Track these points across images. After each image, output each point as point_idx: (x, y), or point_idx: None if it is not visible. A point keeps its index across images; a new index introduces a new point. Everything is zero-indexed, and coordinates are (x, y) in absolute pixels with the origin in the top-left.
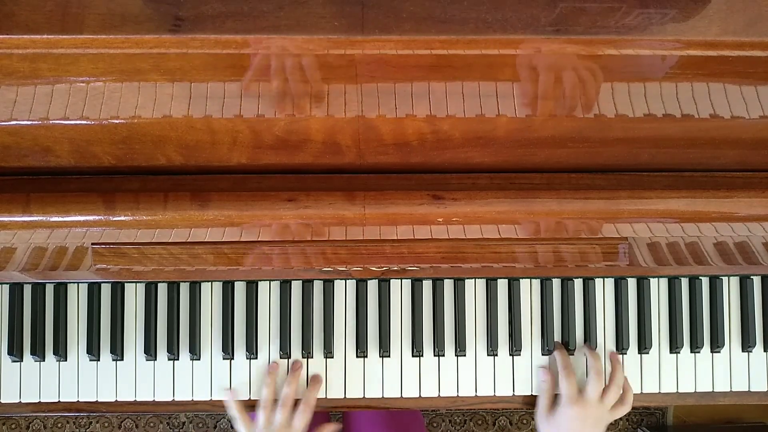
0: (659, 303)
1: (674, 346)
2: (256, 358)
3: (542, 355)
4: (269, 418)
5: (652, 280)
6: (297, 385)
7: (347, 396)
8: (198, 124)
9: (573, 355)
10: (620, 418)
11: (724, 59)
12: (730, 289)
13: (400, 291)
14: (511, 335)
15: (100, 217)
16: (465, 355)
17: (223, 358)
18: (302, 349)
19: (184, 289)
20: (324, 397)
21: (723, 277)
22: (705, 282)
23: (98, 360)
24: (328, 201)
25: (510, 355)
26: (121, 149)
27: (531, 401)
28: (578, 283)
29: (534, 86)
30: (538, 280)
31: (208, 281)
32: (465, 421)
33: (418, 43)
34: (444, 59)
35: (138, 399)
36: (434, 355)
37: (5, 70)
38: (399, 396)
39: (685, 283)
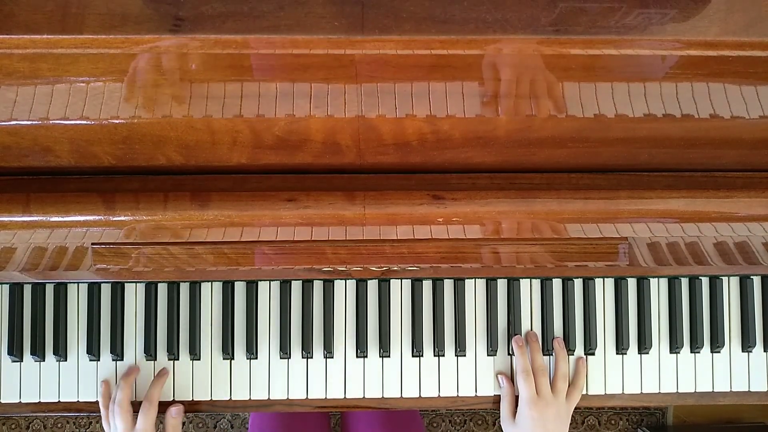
0: (659, 303)
1: (674, 346)
2: (256, 358)
3: (544, 355)
4: (111, 424)
5: (652, 280)
6: (129, 390)
7: (347, 396)
8: (198, 124)
9: (573, 354)
10: (620, 419)
11: (724, 59)
12: (730, 289)
13: (400, 291)
14: (510, 335)
15: (100, 217)
16: (465, 355)
17: (223, 358)
18: (302, 349)
19: (184, 289)
20: (324, 397)
21: (723, 277)
22: (705, 282)
23: (98, 360)
24: (328, 201)
25: (509, 354)
26: (121, 149)
27: None
28: (578, 283)
29: (534, 86)
30: (538, 280)
31: (208, 281)
32: (465, 421)
33: (418, 43)
34: (444, 59)
35: (138, 399)
36: (434, 355)
37: (5, 70)
38: (399, 396)
39: (685, 283)
